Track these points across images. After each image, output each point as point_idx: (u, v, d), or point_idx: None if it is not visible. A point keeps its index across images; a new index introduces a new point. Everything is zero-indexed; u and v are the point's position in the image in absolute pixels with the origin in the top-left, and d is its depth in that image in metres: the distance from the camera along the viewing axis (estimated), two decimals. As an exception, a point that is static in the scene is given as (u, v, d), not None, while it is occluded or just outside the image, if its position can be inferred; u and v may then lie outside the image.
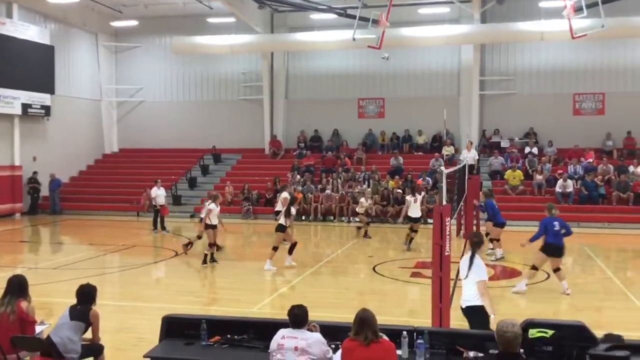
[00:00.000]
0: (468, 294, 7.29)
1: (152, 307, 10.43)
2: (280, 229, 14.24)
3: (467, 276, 7.29)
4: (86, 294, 6.55)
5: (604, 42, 24.43)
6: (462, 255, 7.92)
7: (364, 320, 5.08)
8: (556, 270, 11.90)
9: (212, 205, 14.68)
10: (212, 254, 14.78)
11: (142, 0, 26.80)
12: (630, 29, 23.19)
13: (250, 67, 29.21)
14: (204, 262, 14.60)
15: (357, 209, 20.25)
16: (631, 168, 23.23)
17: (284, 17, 28.26)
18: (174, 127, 29.71)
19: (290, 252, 14.49)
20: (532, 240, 12.01)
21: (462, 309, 7.40)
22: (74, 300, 6.52)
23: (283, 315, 5.72)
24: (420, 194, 17.63)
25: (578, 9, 19.30)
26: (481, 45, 26.43)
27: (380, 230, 20.70)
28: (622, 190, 22.24)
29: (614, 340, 4.78)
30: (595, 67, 25.72)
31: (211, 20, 27.34)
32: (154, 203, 20.87)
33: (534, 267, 12.04)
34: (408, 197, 17.44)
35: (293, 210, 14.65)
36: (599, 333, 5.69)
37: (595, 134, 25.32)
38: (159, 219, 20.56)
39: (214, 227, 14.64)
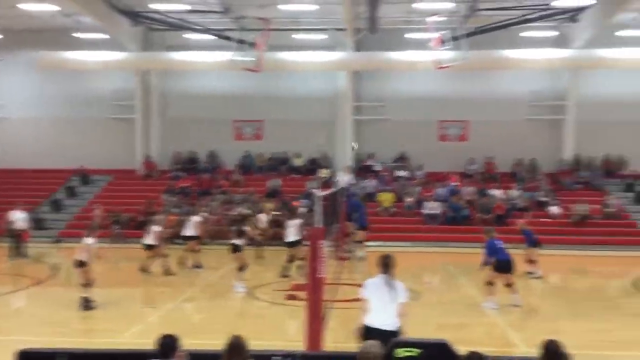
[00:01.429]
0: (393, 317, 6.98)
1: (9, 341, 9.61)
2: (237, 249, 14.58)
3: (391, 299, 6.95)
4: None
5: (467, 73, 26.14)
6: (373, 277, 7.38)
7: (234, 347, 4.99)
8: (509, 285, 12.76)
9: (90, 241, 12.80)
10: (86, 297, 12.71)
11: (5, 12, 25.03)
12: (491, 61, 25.02)
13: (123, 84, 28.16)
14: (86, 307, 12.55)
15: (257, 224, 19.76)
16: (492, 191, 24.88)
17: (160, 36, 27.65)
18: (37, 146, 27.90)
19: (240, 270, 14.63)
20: (486, 264, 12.92)
21: (386, 332, 6.83)
22: None
23: (154, 345, 5.48)
24: (298, 217, 17.41)
25: (443, 42, 20.56)
26: (355, 72, 27.35)
27: (252, 252, 20.56)
28: (484, 211, 23.72)
29: (475, 358, 5.02)
30: (459, 96, 27.39)
31: (81, 35, 26.12)
32: (12, 227, 19.37)
33: (491, 283, 12.82)
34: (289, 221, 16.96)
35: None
36: (462, 350, 5.96)
37: (459, 159, 26.93)
38: (18, 245, 19.11)
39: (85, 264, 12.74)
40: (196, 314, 12.58)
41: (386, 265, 7.20)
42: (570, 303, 14.04)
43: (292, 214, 17.80)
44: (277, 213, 23.34)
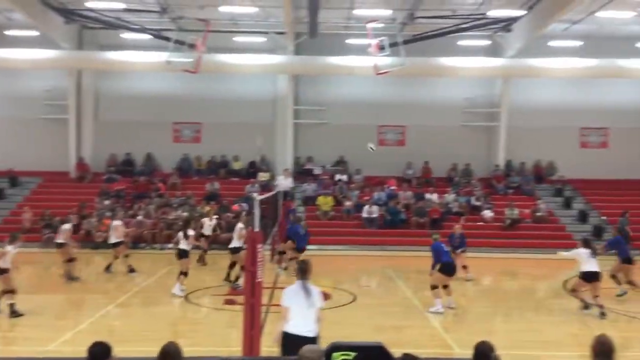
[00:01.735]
0: (313, 323, 6.91)
1: None
2: (184, 254, 14.38)
3: (309, 305, 6.88)
4: None
5: (405, 79, 26.61)
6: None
7: (167, 354, 4.87)
8: (445, 287, 12.97)
9: (10, 248, 12.34)
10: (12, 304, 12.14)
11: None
12: (428, 68, 25.57)
13: (55, 84, 27.20)
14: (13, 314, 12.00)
15: (202, 231, 19.07)
16: (428, 195, 25.37)
17: (95, 35, 26.91)
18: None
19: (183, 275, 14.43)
20: (434, 267, 13.23)
21: (307, 339, 6.76)
22: None
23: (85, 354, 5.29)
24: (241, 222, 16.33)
25: (382, 48, 20.86)
26: (295, 76, 27.38)
27: (195, 256, 20.24)
28: (420, 215, 24.15)
29: (410, 360, 5.08)
30: (397, 102, 27.83)
31: (10, 32, 25.10)
32: None
33: (436, 287, 12.93)
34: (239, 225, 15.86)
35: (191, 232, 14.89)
36: (398, 352, 6.03)
37: (397, 163, 27.34)
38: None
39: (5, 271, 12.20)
40: (129, 320, 12.25)
41: (303, 271, 7.11)
42: (502, 305, 14.45)
43: (236, 218, 17.59)
44: (216, 217, 23.06)
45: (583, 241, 13.25)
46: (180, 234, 14.89)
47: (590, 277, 12.64)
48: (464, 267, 16.62)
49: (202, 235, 18.80)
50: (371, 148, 19.70)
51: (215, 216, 22.98)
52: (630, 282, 14.50)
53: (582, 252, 12.88)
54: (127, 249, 17.99)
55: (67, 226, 16.62)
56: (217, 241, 20.24)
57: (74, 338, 10.60)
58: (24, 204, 24.63)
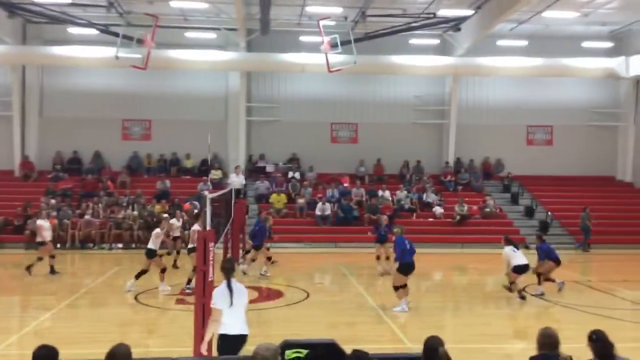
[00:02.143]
0: (241, 321, 6.92)
1: None
2: (151, 254, 14.23)
3: (232, 304, 6.87)
4: None
5: (357, 77, 26.78)
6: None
7: (115, 356, 4.77)
8: (404, 286, 12.78)
9: None
10: None
11: None
12: (379, 66, 25.82)
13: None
14: None
15: (170, 233, 18.06)
16: (380, 192, 25.61)
17: (39, 29, 26.12)
18: None
19: (138, 277, 14.33)
20: (396, 260, 12.78)
21: (240, 337, 6.85)
22: None
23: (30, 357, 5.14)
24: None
25: (334, 45, 20.92)
26: (248, 73, 27.21)
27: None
28: (373, 212, 24.34)
29: (360, 356, 5.11)
30: (350, 99, 28.02)
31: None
32: None
33: (399, 287, 12.64)
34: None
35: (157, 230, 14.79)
36: (351, 349, 6.07)
37: (350, 161, 27.51)
38: None
39: None
40: (77, 322, 11.95)
41: (226, 270, 7.03)
42: (452, 299, 14.74)
43: (196, 218, 17.08)
44: (167, 216, 22.71)
45: (505, 239, 14.02)
46: (152, 232, 14.87)
47: (521, 270, 13.51)
48: (388, 257, 17.17)
49: (169, 236, 17.84)
50: None
51: (165, 215, 22.65)
52: (548, 279, 14.58)
53: (507, 250, 13.71)
54: (52, 249, 16.97)
55: None
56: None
57: (19, 341, 10.30)
58: (-35, 203, 23.75)
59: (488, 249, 22.54)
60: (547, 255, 14.43)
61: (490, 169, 28.44)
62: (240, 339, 6.79)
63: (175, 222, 18.55)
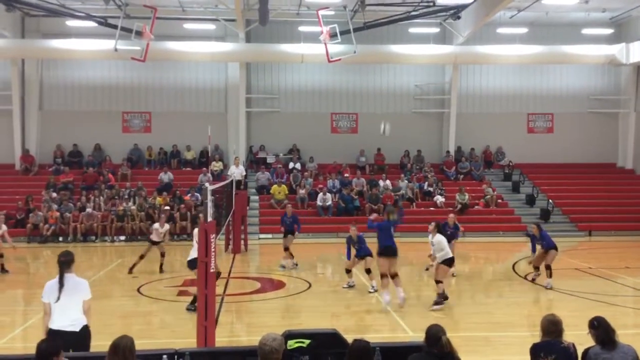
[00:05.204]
0: (68, 318, 6.64)
1: None
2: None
3: (58, 299, 6.62)
4: None
5: (357, 66, 26.71)
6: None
7: (118, 348, 4.79)
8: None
9: None
10: None
11: None
12: (379, 55, 25.76)
13: (-3, 73, 26.30)
14: None
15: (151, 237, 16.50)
16: (381, 182, 25.60)
17: (37, 22, 26.04)
18: None
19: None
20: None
21: (68, 333, 6.54)
22: None
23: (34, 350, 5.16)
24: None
25: (333, 35, 20.85)
26: (247, 64, 27.14)
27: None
28: (374, 202, 24.36)
29: (361, 346, 5.11)
30: (350, 89, 27.97)
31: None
32: None
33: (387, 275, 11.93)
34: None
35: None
36: (351, 338, 6.09)
37: (350, 151, 27.48)
38: None
39: None
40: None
41: (61, 263, 6.81)
42: (454, 288, 14.75)
43: (197, 210, 17.04)
44: (168, 208, 22.77)
45: (436, 225, 12.47)
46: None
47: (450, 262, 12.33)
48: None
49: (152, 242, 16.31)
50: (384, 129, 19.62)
51: (167, 207, 22.66)
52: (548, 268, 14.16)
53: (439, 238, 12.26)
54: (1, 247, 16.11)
55: None
56: (171, 231, 19.71)
57: (24, 334, 10.35)
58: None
59: (490, 238, 22.66)
60: (549, 244, 13.98)
61: (490, 157, 28.41)
62: (63, 335, 6.42)
63: (159, 228, 16.35)
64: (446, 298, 12.12)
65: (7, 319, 11.55)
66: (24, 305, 13.16)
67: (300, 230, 17.33)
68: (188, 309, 11.44)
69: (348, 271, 13.92)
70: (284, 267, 16.45)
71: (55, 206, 22.50)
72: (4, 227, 16.18)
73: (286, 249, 16.68)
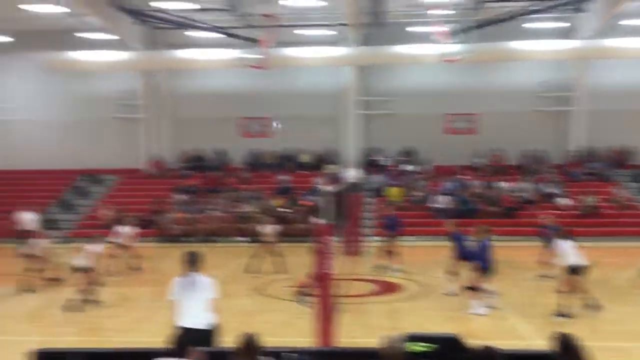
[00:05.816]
0: (201, 314, 6.90)
1: (23, 341, 9.66)
2: None
3: (195, 296, 6.92)
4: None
5: (473, 65, 26.02)
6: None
7: (246, 344, 5.00)
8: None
9: (91, 245, 12.73)
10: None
11: (12, 15, 24.85)
12: (497, 53, 24.90)
13: (128, 84, 28.15)
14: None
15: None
16: (499, 183, 24.77)
17: (164, 34, 27.67)
18: (44, 147, 27.93)
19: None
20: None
21: (198, 331, 6.78)
22: None
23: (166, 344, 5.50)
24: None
25: (449, 35, 20.48)
26: (361, 67, 27.28)
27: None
28: (492, 204, 23.62)
29: (491, 354, 4.98)
30: (466, 89, 27.28)
31: (84, 35, 26.00)
32: (22, 228, 19.43)
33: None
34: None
35: None
36: (471, 344, 5.95)
37: (466, 152, 26.82)
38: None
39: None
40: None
41: (190, 262, 7.05)
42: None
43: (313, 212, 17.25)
44: (286, 210, 23.33)
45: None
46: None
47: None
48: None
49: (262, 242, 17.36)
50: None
51: (284, 209, 23.10)
52: None
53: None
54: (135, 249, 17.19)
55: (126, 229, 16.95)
56: (286, 234, 20.10)
57: (157, 330, 11.00)
58: (106, 200, 25.60)
59: (619, 242, 21.26)
60: None
61: (619, 157, 26.63)
62: (191, 332, 6.64)
63: (265, 230, 17.21)
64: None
65: (142, 315, 12.34)
66: (157, 302, 13.94)
67: (401, 232, 17.24)
68: (299, 301, 11.64)
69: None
70: (395, 270, 16.30)
71: (182, 208, 23.75)
72: (131, 229, 17.12)
73: (390, 252, 16.57)
